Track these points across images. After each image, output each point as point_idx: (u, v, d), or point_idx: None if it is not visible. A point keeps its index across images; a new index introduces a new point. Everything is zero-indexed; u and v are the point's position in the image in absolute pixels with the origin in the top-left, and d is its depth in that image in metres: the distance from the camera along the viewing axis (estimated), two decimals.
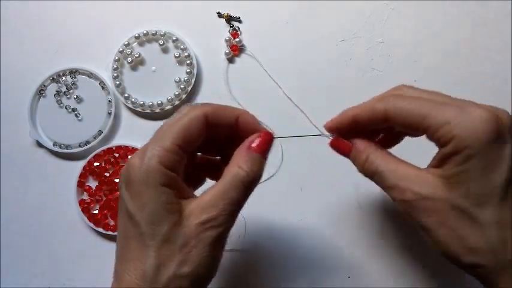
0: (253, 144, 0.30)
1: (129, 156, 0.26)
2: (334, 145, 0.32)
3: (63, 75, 0.44)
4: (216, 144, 0.32)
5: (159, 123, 0.44)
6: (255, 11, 0.45)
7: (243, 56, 0.44)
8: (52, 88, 0.44)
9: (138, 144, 0.43)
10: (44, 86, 0.44)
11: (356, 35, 0.44)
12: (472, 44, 0.43)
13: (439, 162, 0.27)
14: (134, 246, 0.27)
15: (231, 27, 0.44)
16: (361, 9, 0.44)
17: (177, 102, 0.43)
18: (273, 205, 0.42)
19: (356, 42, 0.44)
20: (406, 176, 0.28)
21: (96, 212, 0.42)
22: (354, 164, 0.31)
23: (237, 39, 0.44)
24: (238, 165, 0.28)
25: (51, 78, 0.44)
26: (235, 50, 0.44)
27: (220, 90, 0.44)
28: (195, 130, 0.28)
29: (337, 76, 0.43)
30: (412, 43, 0.44)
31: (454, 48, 0.43)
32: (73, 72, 0.44)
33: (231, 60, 0.44)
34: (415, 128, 0.27)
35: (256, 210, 0.42)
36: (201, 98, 0.44)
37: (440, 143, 0.27)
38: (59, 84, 0.44)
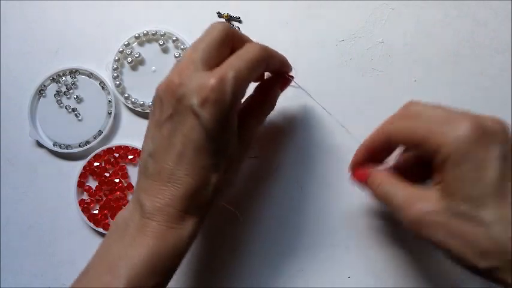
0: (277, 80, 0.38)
1: (205, 77, 0.29)
2: (355, 176, 0.35)
3: (63, 75, 0.44)
4: None
5: None
6: (255, 11, 0.45)
7: None
8: (52, 88, 0.44)
9: (138, 144, 0.43)
10: (44, 86, 0.44)
11: (356, 35, 0.44)
12: (472, 44, 0.43)
13: (436, 177, 0.29)
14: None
15: (231, 26, 0.44)
16: (361, 9, 0.44)
17: None
18: (272, 204, 0.42)
19: (356, 42, 0.44)
20: (410, 195, 0.30)
21: (96, 212, 0.42)
22: (370, 191, 0.33)
23: None
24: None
25: (51, 78, 0.44)
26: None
27: None
28: (261, 68, 0.33)
29: (337, 76, 0.43)
30: (412, 43, 0.44)
31: (454, 48, 0.43)
32: (73, 72, 0.44)
33: None
34: (412, 147, 0.30)
35: (255, 209, 0.42)
36: None
37: (431, 156, 0.28)
38: (59, 84, 0.44)
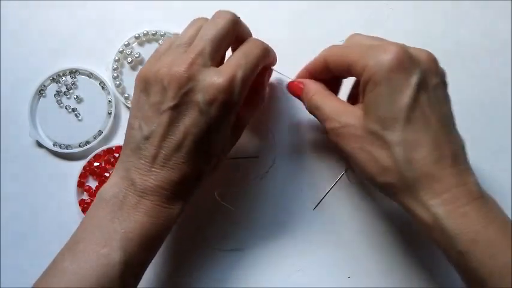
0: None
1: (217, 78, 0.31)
2: (290, 87, 0.38)
3: (63, 75, 0.44)
4: None
5: None
6: (255, 11, 0.45)
7: None
8: (52, 88, 0.44)
9: None
10: (44, 86, 0.44)
11: None
12: (472, 44, 0.43)
13: (362, 96, 0.31)
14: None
15: None
16: (361, 9, 0.44)
17: None
18: (271, 204, 0.42)
19: None
20: (337, 109, 0.33)
21: None
22: (303, 101, 0.36)
23: None
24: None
25: (51, 78, 0.44)
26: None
27: None
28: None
29: None
30: (412, 43, 0.43)
31: (454, 48, 0.43)
32: (73, 72, 0.44)
33: None
34: (345, 69, 0.32)
35: (254, 209, 0.42)
36: None
37: (358, 75, 0.31)
38: (59, 84, 0.44)
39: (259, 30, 0.45)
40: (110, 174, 0.43)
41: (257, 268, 0.41)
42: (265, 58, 0.35)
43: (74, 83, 0.44)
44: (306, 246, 0.41)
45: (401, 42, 0.44)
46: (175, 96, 0.31)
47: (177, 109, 0.31)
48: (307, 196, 0.42)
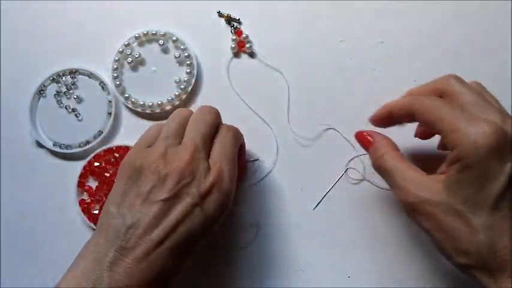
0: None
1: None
2: (358, 137, 0.36)
3: (63, 75, 0.44)
4: None
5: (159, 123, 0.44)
6: (255, 11, 0.45)
7: (243, 56, 0.44)
8: (52, 88, 0.44)
9: None
10: (44, 86, 0.44)
11: (356, 35, 0.44)
12: (472, 44, 0.43)
13: (446, 168, 0.29)
14: None
15: (231, 27, 0.44)
16: (361, 9, 0.44)
17: (177, 103, 0.43)
18: (271, 204, 0.42)
19: (356, 42, 0.44)
20: (412, 179, 0.30)
21: (97, 212, 0.42)
22: (370, 157, 0.34)
23: (244, 36, 0.44)
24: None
25: (51, 78, 0.44)
26: (242, 46, 0.44)
27: (220, 90, 0.44)
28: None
29: (337, 76, 0.43)
30: (412, 43, 0.44)
31: (454, 48, 0.43)
32: (73, 72, 0.44)
33: (236, 54, 0.44)
34: (432, 129, 0.30)
35: (253, 208, 0.42)
36: (202, 98, 0.44)
37: (449, 148, 0.29)
38: (59, 85, 0.44)
39: (260, 30, 0.45)
40: (110, 175, 0.43)
41: (257, 268, 0.41)
42: (240, 140, 0.37)
43: (74, 83, 0.44)
44: (306, 246, 0.41)
45: (401, 42, 0.44)
46: (173, 188, 0.30)
47: (170, 201, 0.30)
48: (307, 196, 0.42)
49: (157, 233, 0.30)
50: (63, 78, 0.44)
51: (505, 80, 0.43)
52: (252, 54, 0.44)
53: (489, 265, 0.28)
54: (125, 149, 0.43)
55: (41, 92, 0.44)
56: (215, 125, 0.35)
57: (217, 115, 0.35)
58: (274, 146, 0.42)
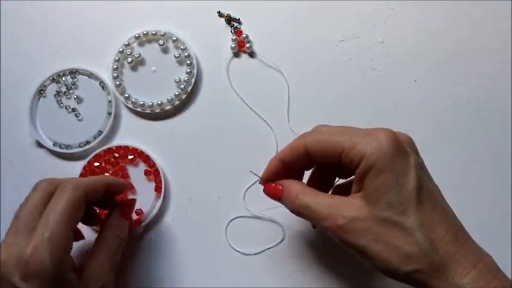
0: (121, 213, 0.36)
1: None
2: (267, 191, 0.34)
3: (63, 75, 0.44)
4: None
5: (159, 123, 0.44)
6: (255, 11, 0.45)
7: (243, 55, 0.44)
8: (52, 88, 0.44)
9: (138, 144, 0.43)
10: (44, 86, 0.44)
11: (356, 35, 0.44)
12: (472, 44, 0.43)
13: (358, 185, 0.30)
14: None
15: (231, 27, 0.44)
16: (361, 9, 0.44)
17: (177, 102, 0.43)
18: (271, 204, 0.42)
19: (356, 42, 0.44)
20: (334, 204, 0.30)
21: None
22: (285, 203, 0.33)
23: (244, 36, 0.44)
24: (115, 233, 0.35)
25: (51, 78, 0.44)
26: (242, 46, 0.44)
27: (220, 90, 0.44)
28: (79, 211, 0.33)
29: (337, 76, 0.43)
30: (412, 43, 0.44)
31: (454, 48, 0.43)
32: (73, 72, 0.44)
33: (236, 54, 0.44)
34: (331, 156, 0.30)
35: (248, 210, 0.42)
36: (201, 98, 0.44)
37: (353, 165, 0.29)
38: (59, 84, 0.44)
39: (260, 30, 0.45)
40: (109, 175, 0.43)
41: (257, 268, 0.41)
42: (81, 198, 0.33)
43: (74, 83, 0.44)
44: (306, 247, 0.41)
45: (401, 42, 0.44)
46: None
47: None
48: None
49: None
50: (63, 78, 0.44)
51: (505, 80, 0.43)
52: (252, 54, 0.44)
53: (436, 262, 0.27)
54: (124, 149, 0.43)
55: (41, 92, 0.44)
56: (47, 200, 0.33)
57: (48, 193, 0.33)
58: (274, 146, 0.42)
